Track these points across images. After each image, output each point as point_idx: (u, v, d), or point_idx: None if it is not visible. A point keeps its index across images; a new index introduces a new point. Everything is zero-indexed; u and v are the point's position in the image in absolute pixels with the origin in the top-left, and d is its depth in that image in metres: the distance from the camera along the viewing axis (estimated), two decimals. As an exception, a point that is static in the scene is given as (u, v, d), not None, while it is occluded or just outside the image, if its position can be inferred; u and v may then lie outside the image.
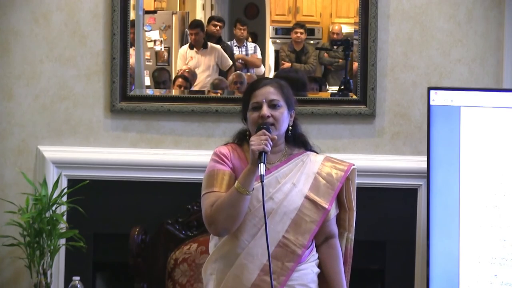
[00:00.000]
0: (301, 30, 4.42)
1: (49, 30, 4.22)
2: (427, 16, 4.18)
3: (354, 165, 3.18)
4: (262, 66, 4.47)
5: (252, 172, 2.93)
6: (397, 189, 4.17)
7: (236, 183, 2.96)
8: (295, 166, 3.12)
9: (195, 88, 4.37)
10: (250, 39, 4.49)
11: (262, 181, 2.89)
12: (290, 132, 3.13)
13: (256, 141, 2.93)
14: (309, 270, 3.11)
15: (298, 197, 3.07)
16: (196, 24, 4.40)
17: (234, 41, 4.48)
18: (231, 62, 4.41)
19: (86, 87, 4.24)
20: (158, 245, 3.98)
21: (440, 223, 3.84)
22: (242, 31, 4.48)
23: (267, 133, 2.96)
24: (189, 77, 4.38)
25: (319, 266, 3.16)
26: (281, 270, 3.03)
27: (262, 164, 2.89)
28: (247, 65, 4.46)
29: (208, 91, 4.34)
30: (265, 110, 3.02)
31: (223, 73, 4.42)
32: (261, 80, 3.15)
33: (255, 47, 4.47)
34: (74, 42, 4.23)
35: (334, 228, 3.19)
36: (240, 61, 4.44)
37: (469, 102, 3.83)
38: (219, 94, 4.32)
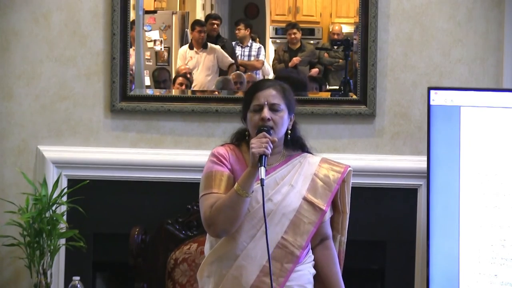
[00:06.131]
0: (294, 30, 4.41)
1: (49, 30, 4.22)
2: (427, 16, 4.18)
3: (350, 167, 3.19)
4: (266, 66, 4.46)
5: (252, 174, 2.94)
6: (397, 189, 4.17)
7: (235, 185, 2.96)
8: (293, 167, 3.12)
9: (194, 88, 4.37)
10: (257, 40, 4.48)
11: (262, 185, 2.89)
12: (289, 136, 3.13)
13: (257, 144, 2.93)
14: (306, 271, 3.11)
15: (296, 198, 3.07)
16: (202, 23, 4.39)
17: (238, 41, 4.47)
18: (231, 60, 4.41)
19: (86, 87, 4.24)
20: (158, 245, 3.97)
21: (440, 223, 3.84)
22: (243, 31, 4.47)
23: (267, 135, 2.96)
24: (189, 76, 4.38)
25: (315, 267, 3.17)
26: (280, 271, 3.02)
27: (262, 168, 2.89)
28: (247, 68, 4.45)
29: (212, 91, 4.33)
30: (266, 113, 3.02)
31: (223, 72, 4.42)
32: (264, 82, 3.16)
33: (259, 48, 4.46)
34: (74, 42, 4.23)
35: (329, 230, 3.19)
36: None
37: (469, 102, 3.83)
38: (219, 93, 4.32)
